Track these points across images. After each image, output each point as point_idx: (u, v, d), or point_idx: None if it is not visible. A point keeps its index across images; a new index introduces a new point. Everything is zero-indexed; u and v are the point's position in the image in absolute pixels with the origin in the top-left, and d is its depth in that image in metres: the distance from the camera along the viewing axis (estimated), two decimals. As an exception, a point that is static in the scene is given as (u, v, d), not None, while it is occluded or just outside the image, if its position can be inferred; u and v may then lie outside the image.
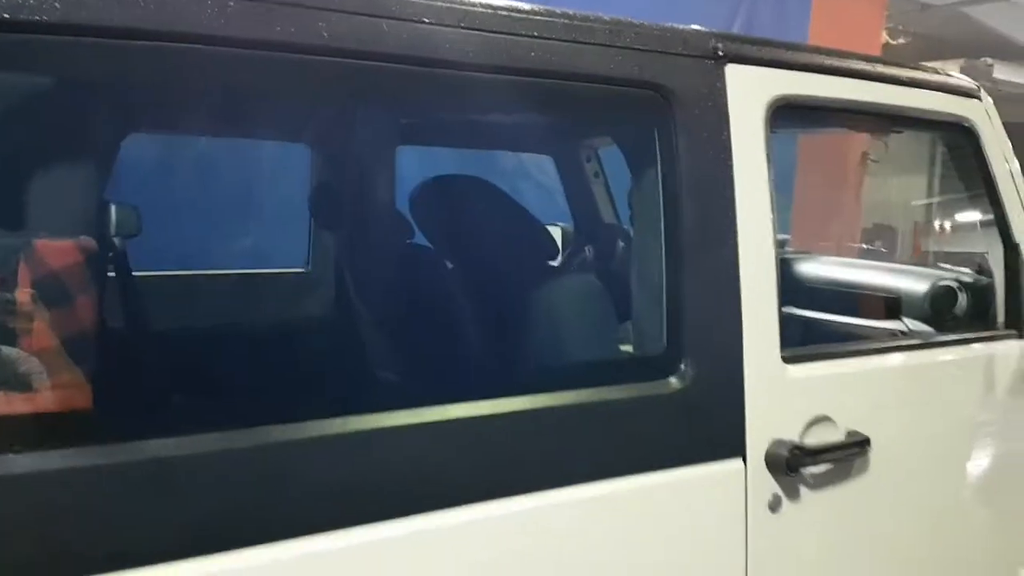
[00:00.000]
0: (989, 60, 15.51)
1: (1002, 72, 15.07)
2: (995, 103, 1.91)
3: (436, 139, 2.19)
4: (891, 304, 1.95)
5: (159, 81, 1.17)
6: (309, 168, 2.07)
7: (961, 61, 15.31)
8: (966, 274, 2.02)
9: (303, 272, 2.08)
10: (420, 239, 1.64)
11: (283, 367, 1.23)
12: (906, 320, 1.95)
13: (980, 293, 1.99)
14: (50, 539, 1.00)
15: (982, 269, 2.02)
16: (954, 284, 2.02)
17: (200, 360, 1.22)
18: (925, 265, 2.08)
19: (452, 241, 1.59)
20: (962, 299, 1.99)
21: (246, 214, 1.86)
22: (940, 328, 1.96)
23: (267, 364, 1.25)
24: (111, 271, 1.23)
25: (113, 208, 1.29)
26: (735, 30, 5.10)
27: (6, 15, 0.98)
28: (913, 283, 1.98)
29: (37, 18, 1.00)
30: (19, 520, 0.98)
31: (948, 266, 2.04)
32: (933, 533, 1.83)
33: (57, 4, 1.01)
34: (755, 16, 5.26)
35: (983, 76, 15.35)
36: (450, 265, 1.62)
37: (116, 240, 1.33)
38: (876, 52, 5.89)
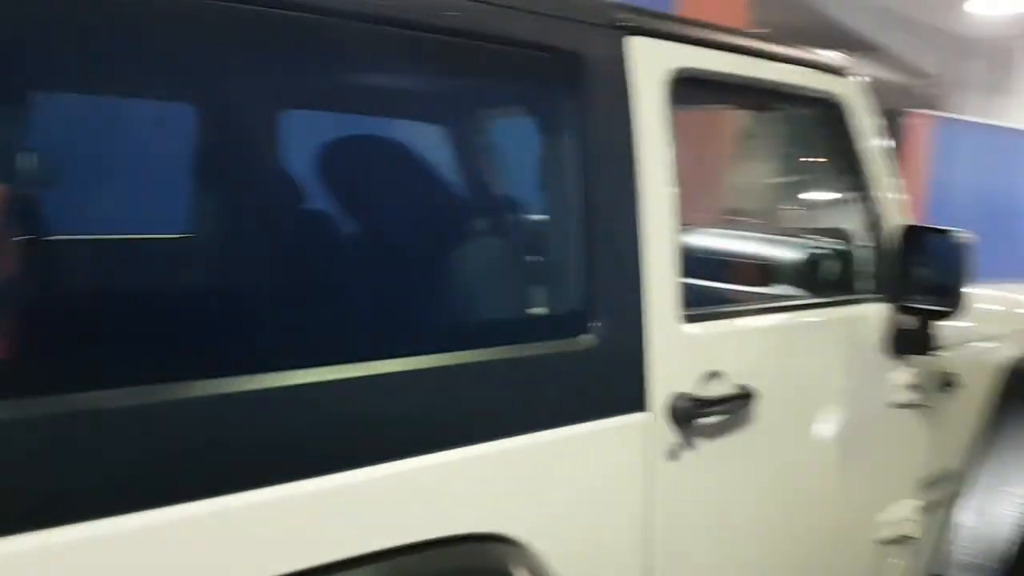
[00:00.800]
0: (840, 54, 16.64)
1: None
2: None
3: (323, 101, 2.15)
4: (771, 270, 2.09)
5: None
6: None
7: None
8: (837, 244, 2.19)
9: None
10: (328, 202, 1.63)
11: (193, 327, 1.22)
12: (784, 285, 2.10)
13: (849, 261, 2.17)
14: None
15: (850, 240, 2.20)
16: (826, 253, 2.19)
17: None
18: (799, 237, 2.24)
19: (366, 203, 1.60)
20: (833, 266, 2.16)
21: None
22: (814, 292, 2.12)
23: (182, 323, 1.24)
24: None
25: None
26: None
27: None
28: (790, 252, 2.13)
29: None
30: None
31: (821, 238, 2.21)
32: (809, 475, 1.99)
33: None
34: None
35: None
36: (366, 227, 1.63)
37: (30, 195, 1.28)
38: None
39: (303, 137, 1.71)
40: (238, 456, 1.17)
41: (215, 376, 1.16)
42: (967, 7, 13.30)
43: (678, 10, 5.64)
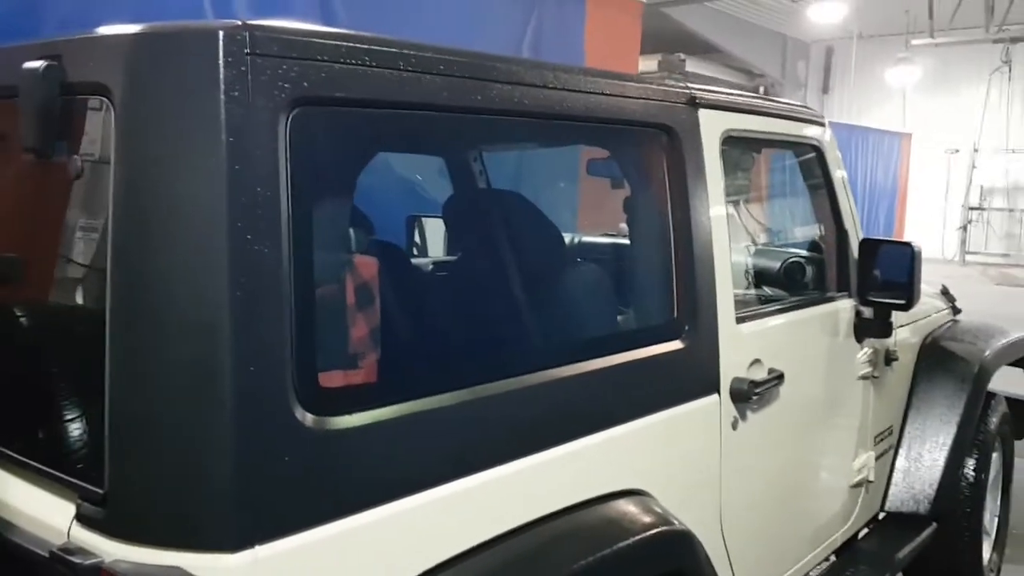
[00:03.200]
0: (682, 55, 17.83)
1: (693, 66, 17.39)
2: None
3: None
4: (773, 278, 2.65)
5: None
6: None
7: (659, 56, 17.46)
8: (816, 254, 2.78)
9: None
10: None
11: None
12: (782, 289, 2.66)
13: (826, 267, 2.77)
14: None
15: (825, 250, 2.80)
16: (811, 261, 2.77)
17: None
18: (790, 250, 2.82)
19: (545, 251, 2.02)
20: (816, 272, 2.75)
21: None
22: (804, 294, 2.70)
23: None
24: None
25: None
26: (525, 41, 5.77)
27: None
28: (785, 262, 2.69)
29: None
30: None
31: (805, 250, 2.80)
32: (815, 435, 2.58)
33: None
34: (541, 30, 5.93)
35: (677, 68, 17.67)
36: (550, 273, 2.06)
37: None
38: (635, 52, 6.84)
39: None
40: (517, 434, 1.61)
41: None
42: (810, 13, 14.64)
43: (588, 41, 6.26)
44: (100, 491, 1.29)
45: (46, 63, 1.38)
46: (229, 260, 1.25)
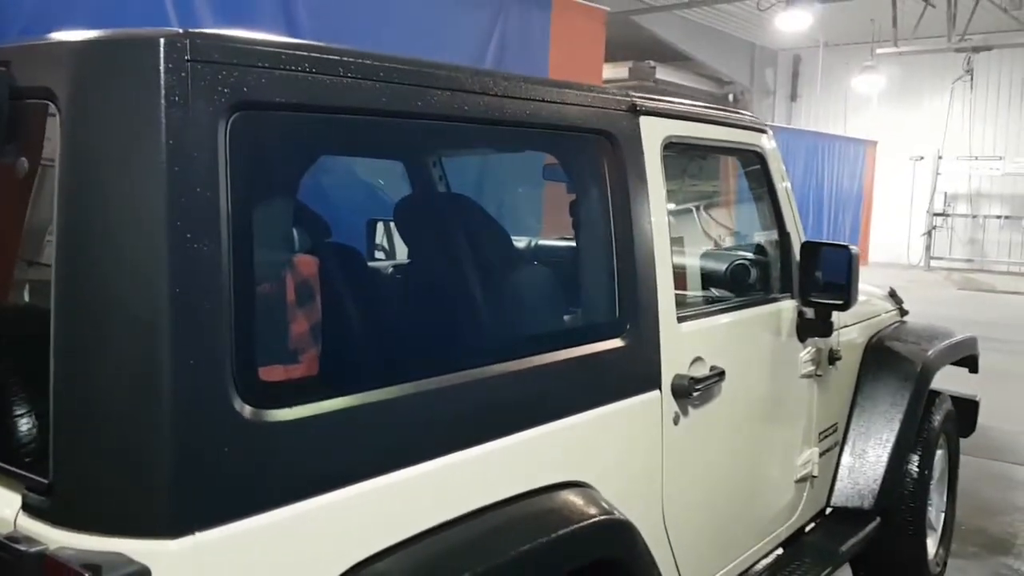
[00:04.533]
0: (652, 63, 18.03)
1: (663, 73, 17.59)
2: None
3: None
4: (717, 278, 2.73)
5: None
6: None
7: (630, 63, 17.66)
8: (758, 257, 2.87)
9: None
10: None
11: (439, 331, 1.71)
12: (725, 290, 2.75)
13: (768, 269, 2.86)
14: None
15: (767, 253, 2.89)
16: (753, 263, 2.86)
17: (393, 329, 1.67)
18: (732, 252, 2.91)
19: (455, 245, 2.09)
20: (758, 273, 2.84)
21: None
22: (747, 294, 2.79)
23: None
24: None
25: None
26: (490, 48, 5.85)
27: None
28: (728, 264, 2.78)
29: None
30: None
31: (747, 252, 2.89)
32: (758, 431, 2.66)
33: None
34: (505, 38, 6.01)
35: (647, 76, 17.87)
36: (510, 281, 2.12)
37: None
38: (599, 59, 6.94)
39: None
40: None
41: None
42: (777, 22, 14.85)
43: (553, 45, 6.35)
44: (45, 481, 1.34)
45: None
46: (168, 258, 1.30)
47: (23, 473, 1.39)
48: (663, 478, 2.25)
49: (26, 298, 1.45)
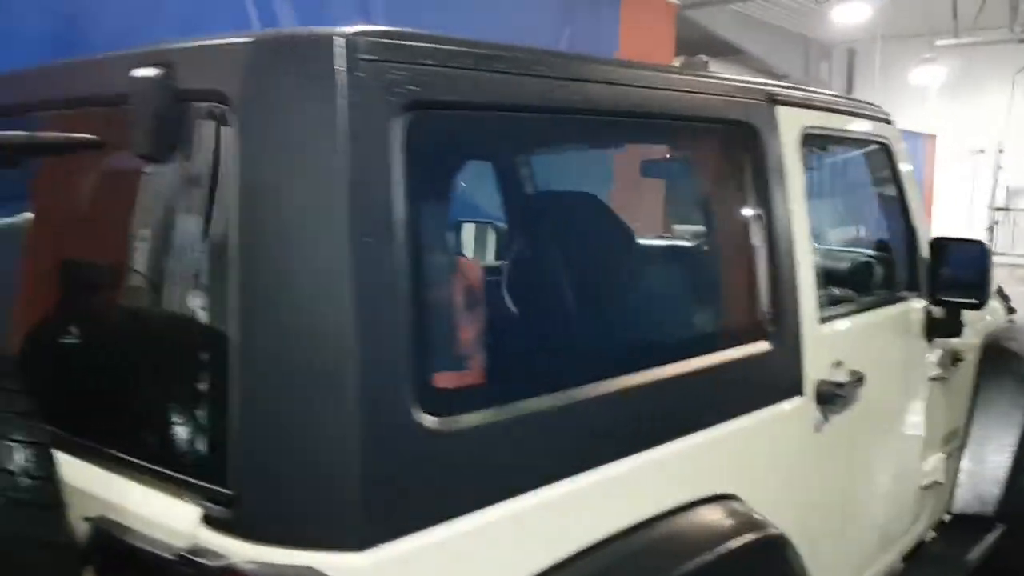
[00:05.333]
0: (704, 57, 17.82)
1: (715, 67, 17.36)
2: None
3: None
4: (847, 278, 2.62)
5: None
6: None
7: (682, 57, 17.48)
8: (886, 254, 2.75)
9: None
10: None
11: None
12: (854, 290, 2.64)
13: (896, 267, 2.74)
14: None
15: (886, 248, 2.77)
16: (870, 259, 2.74)
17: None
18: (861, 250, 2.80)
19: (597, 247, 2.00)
20: (887, 272, 2.72)
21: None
22: (877, 294, 2.67)
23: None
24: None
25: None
26: (561, 46, 5.77)
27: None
28: (858, 262, 2.67)
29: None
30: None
31: (875, 250, 2.77)
32: (891, 437, 2.55)
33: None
34: (576, 34, 5.94)
35: (700, 69, 17.68)
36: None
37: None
38: (670, 55, 6.82)
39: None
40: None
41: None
42: (834, 14, 14.57)
43: (623, 39, 6.25)
44: (227, 493, 1.30)
45: (159, 71, 1.38)
46: (351, 264, 1.25)
47: (202, 484, 1.35)
48: (803, 489, 2.15)
49: (196, 304, 1.40)
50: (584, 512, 1.54)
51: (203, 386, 1.38)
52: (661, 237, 2.20)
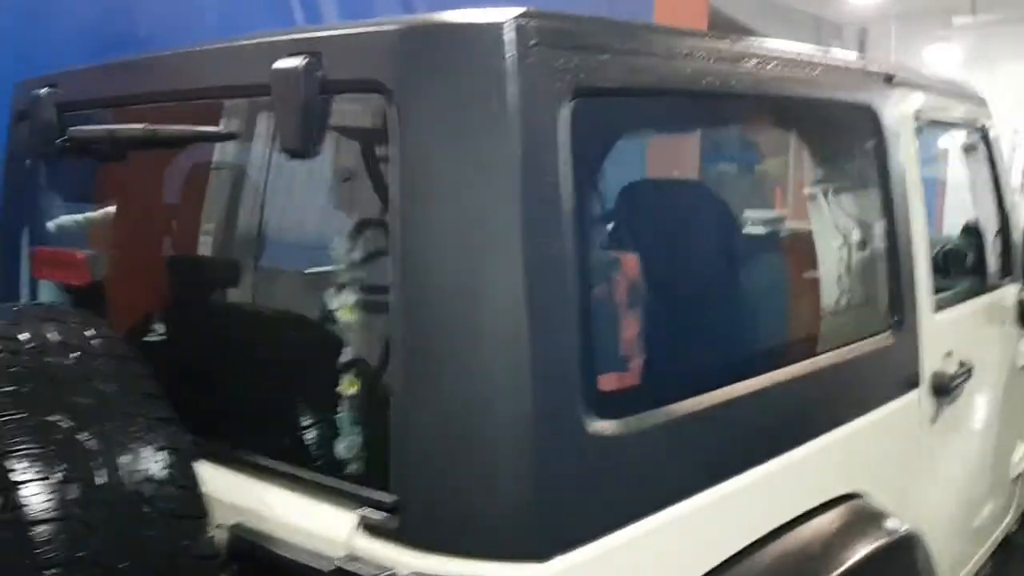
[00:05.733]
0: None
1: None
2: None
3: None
4: (947, 264, 2.55)
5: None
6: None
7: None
8: (980, 240, 2.68)
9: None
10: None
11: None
12: (952, 276, 2.56)
13: (979, 251, 2.67)
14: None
15: (974, 233, 2.70)
16: (959, 245, 2.67)
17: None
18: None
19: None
20: (969, 256, 2.65)
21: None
22: (972, 280, 2.60)
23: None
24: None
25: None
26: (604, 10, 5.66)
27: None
28: (953, 249, 2.60)
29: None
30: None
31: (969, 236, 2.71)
32: (989, 427, 2.50)
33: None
34: (614, 11, 5.84)
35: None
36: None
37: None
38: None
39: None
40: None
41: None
42: (850, -5, 14.40)
43: (657, 13, 6.15)
44: (389, 498, 1.24)
45: (305, 60, 1.32)
46: (524, 260, 1.19)
47: (361, 490, 1.29)
48: (920, 484, 2.09)
49: (349, 303, 1.34)
50: (735, 517, 1.49)
51: (363, 387, 1.32)
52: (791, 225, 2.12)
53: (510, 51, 1.20)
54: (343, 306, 1.37)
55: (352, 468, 1.34)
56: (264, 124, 1.49)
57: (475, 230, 1.21)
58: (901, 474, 2.02)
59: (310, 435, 1.42)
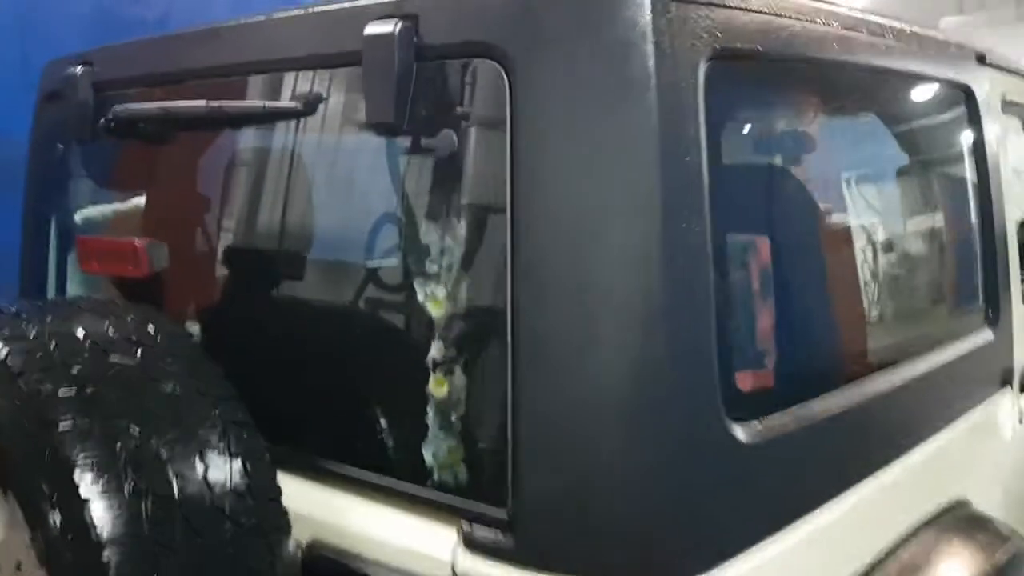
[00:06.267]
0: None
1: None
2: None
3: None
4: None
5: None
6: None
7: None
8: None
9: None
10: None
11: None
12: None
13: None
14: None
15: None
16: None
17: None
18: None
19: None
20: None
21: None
22: None
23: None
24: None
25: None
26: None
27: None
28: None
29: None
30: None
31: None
32: None
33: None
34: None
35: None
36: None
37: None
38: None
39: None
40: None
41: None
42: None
43: None
44: (501, 513, 1.11)
45: (400, 24, 1.18)
46: (662, 245, 1.06)
47: (464, 503, 1.16)
48: (1011, 487, 1.98)
49: (461, 297, 1.20)
50: (862, 528, 1.37)
51: (469, 391, 1.18)
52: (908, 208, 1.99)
53: (645, 12, 1.07)
54: (446, 301, 1.22)
55: (453, 478, 1.20)
56: (344, 99, 1.35)
57: (605, 212, 1.08)
58: (996, 476, 1.90)
59: (399, 441, 1.28)
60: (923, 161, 1.87)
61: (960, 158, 1.84)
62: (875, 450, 1.41)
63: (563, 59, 1.10)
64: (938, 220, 1.83)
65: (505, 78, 1.11)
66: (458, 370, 1.19)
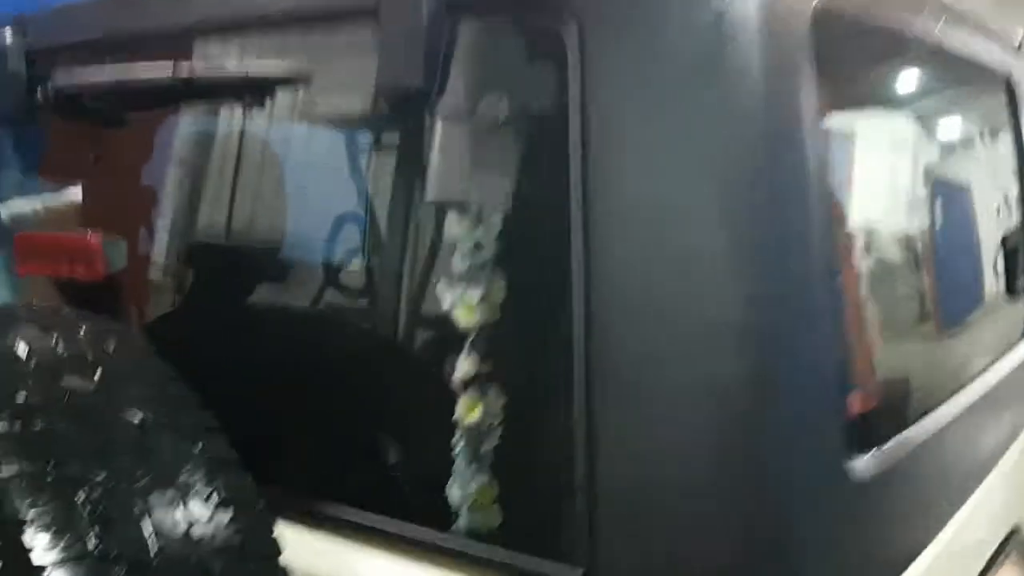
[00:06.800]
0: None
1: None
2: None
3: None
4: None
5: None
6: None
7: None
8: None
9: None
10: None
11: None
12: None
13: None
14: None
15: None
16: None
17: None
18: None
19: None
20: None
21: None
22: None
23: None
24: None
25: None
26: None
27: None
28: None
29: None
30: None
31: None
32: None
33: None
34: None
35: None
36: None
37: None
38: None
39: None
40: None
41: None
42: None
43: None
44: (573, 572, 0.90)
45: None
46: (771, 244, 0.87)
47: (519, 559, 0.94)
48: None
49: (499, 309, 0.98)
50: (965, 552, 1.21)
51: (521, 421, 0.96)
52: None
53: None
54: (465, 304, 1.01)
55: (502, 529, 0.98)
56: (349, 63, 1.12)
57: (698, 203, 0.87)
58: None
59: (430, 484, 1.05)
60: (977, 150, 1.72)
61: (1005, 152, 1.71)
62: (966, 473, 1.25)
63: (642, 17, 0.89)
64: (1000, 214, 1.69)
65: (565, 39, 0.90)
66: (519, 399, 0.97)
